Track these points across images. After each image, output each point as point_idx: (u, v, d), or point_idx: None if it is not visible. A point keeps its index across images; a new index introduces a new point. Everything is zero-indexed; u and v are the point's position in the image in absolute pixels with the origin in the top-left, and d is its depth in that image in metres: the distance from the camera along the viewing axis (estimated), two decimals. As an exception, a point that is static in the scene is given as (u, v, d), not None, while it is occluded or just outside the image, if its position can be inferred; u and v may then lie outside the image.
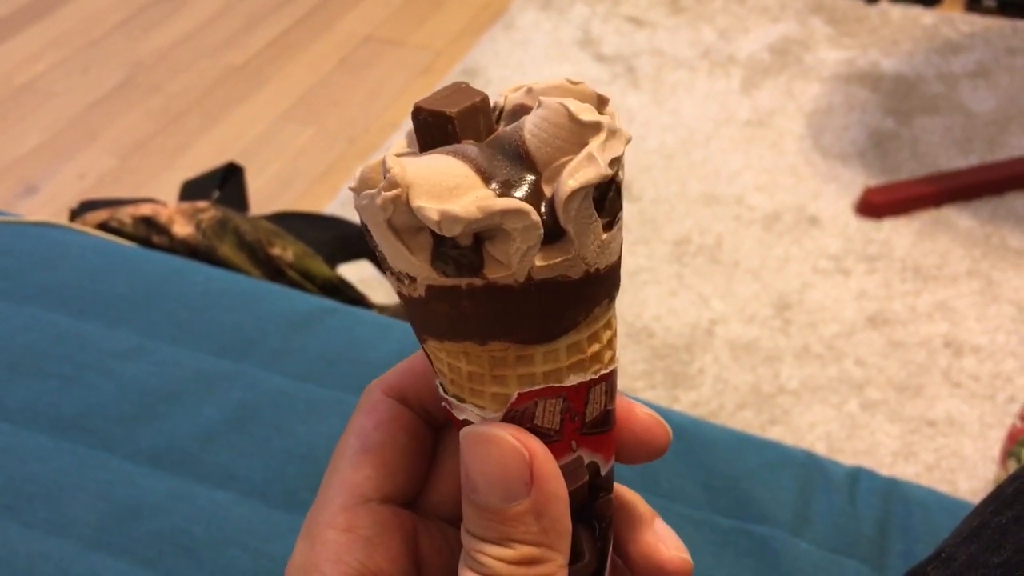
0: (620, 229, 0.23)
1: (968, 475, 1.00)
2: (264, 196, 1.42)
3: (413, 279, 0.22)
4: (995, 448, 1.02)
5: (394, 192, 0.20)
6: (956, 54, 1.58)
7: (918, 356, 1.12)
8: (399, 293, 0.23)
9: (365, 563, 0.25)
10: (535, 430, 0.23)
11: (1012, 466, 0.85)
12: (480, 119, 0.22)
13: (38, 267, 0.65)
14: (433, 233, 0.21)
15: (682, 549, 0.27)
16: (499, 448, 0.22)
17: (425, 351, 0.24)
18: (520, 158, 0.21)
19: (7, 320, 0.61)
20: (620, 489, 0.27)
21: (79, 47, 1.78)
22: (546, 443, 0.23)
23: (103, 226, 0.72)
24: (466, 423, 0.24)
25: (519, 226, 0.20)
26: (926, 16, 1.68)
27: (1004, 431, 1.02)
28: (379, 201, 0.20)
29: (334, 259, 0.85)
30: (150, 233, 0.72)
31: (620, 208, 0.22)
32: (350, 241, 0.89)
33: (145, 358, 0.58)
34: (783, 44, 1.64)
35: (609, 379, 0.24)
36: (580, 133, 0.21)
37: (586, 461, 0.24)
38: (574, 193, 0.20)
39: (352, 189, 0.22)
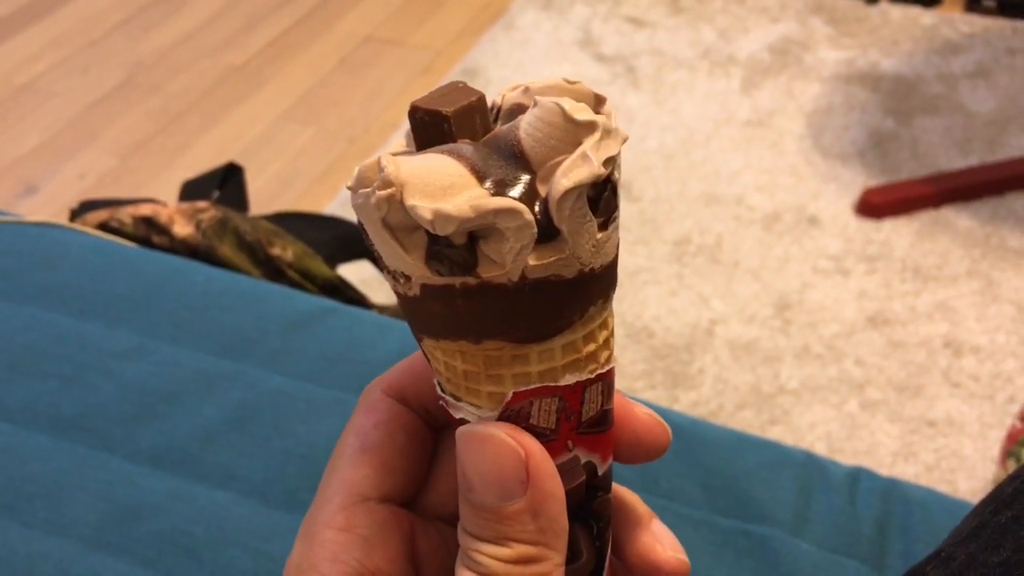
0: (616, 229, 0.23)
1: (968, 475, 1.00)
2: (264, 196, 1.42)
3: (408, 278, 0.22)
4: (994, 448, 1.02)
5: (388, 191, 0.20)
6: (956, 54, 1.58)
7: (918, 356, 1.12)
8: (395, 292, 0.23)
9: (363, 562, 0.25)
10: (531, 429, 0.23)
11: (1011, 466, 0.85)
12: (476, 118, 0.22)
13: (38, 267, 0.65)
14: (427, 232, 0.21)
15: (679, 550, 0.27)
16: (495, 447, 0.22)
17: (422, 350, 0.24)
18: (515, 157, 0.21)
19: (7, 320, 0.61)
20: (618, 489, 0.27)
21: (79, 47, 1.78)
22: (542, 442, 0.23)
23: (103, 226, 0.72)
24: (463, 422, 0.24)
25: (512, 225, 0.20)
26: (926, 16, 1.68)
27: (1004, 431, 1.02)
28: (373, 200, 0.20)
29: (334, 259, 0.85)
30: (150, 233, 0.72)
31: (616, 208, 0.22)
32: (350, 241, 0.89)
33: (145, 358, 0.58)
34: (783, 44, 1.64)
35: (606, 379, 0.24)
36: (575, 132, 0.21)
37: (583, 460, 0.24)
38: (567, 192, 0.20)
39: (349, 188, 0.22)
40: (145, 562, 0.48)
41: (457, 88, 0.23)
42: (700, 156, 1.43)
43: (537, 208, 0.21)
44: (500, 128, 0.22)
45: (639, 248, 1.28)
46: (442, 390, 0.24)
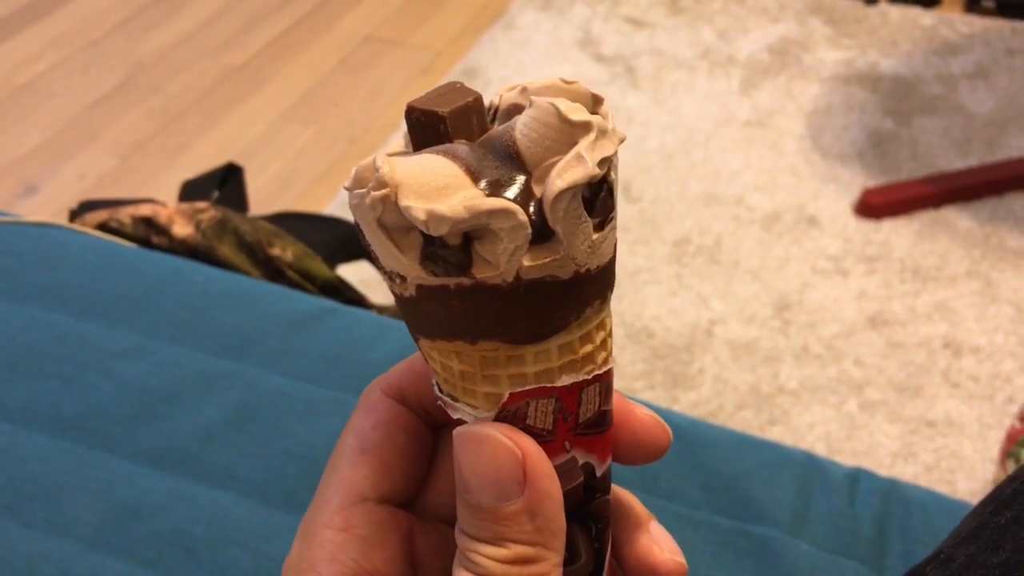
0: (613, 230, 0.23)
1: (967, 475, 1.00)
2: (264, 196, 1.42)
3: (404, 278, 0.22)
4: (994, 449, 1.02)
5: (383, 191, 0.20)
6: (955, 55, 1.58)
7: (917, 357, 1.12)
8: (392, 292, 0.23)
9: (361, 563, 0.25)
10: (527, 430, 0.23)
11: (1011, 466, 0.85)
12: (473, 119, 0.22)
13: (38, 267, 0.65)
14: (423, 232, 0.21)
15: (676, 552, 0.27)
16: (492, 447, 0.22)
17: (420, 350, 0.24)
18: (511, 158, 0.21)
19: (7, 320, 0.61)
20: (616, 490, 0.27)
21: (79, 47, 1.78)
22: (539, 443, 0.23)
23: (103, 226, 0.72)
24: (460, 422, 0.24)
25: (506, 226, 0.20)
26: (925, 17, 1.68)
27: (1003, 431, 1.02)
28: (368, 200, 0.21)
29: (334, 259, 0.85)
30: (150, 233, 0.72)
31: (612, 208, 0.22)
32: (350, 241, 0.89)
33: (145, 358, 0.58)
34: (782, 44, 1.64)
35: (603, 380, 0.24)
36: (570, 133, 0.21)
37: (581, 462, 0.24)
38: (561, 193, 0.20)
39: (347, 188, 0.22)
40: (145, 562, 0.48)
41: (454, 88, 0.23)
42: (700, 156, 1.43)
43: (532, 209, 0.21)
44: (496, 128, 0.22)
45: (639, 248, 1.28)
46: (440, 390, 0.24)
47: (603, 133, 0.21)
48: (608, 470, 0.26)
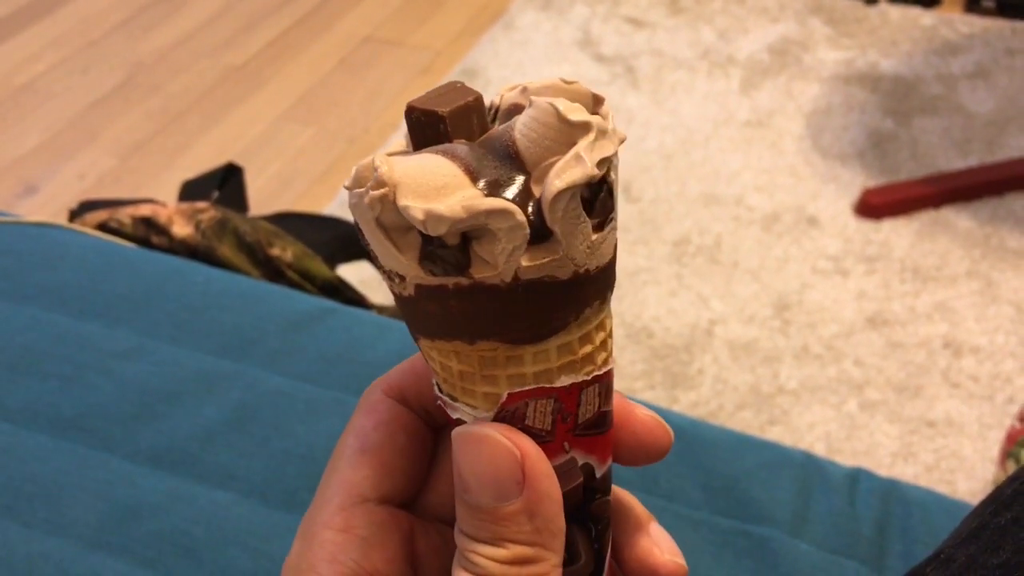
0: (613, 230, 0.22)
1: (967, 476, 1.00)
2: (264, 196, 1.42)
3: (403, 278, 0.22)
4: (994, 449, 1.02)
5: (382, 191, 0.20)
6: (955, 55, 1.58)
7: (917, 357, 1.12)
8: (392, 291, 0.23)
9: (361, 563, 0.25)
10: (526, 430, 0.23)
11: (1011, 467, 0.85)
12: (473, 118, 0.22)
13: (38, 267, 0.65)
14: (421, 232, 0.21)
15: (676, 553, 0.27)
16: (490, 447, 0.22)
17: (420, 350, 0.24)
18: (510, 158, 0.21)
19: (7, 320, 0.61)
20: (616, 491, 0.27)
21: (79, 47, 1.78)
22: (538, 443, 0.23)
23: (102, 226, 0.72)
24: (459, 422, 0.24)
25: (504, 226, 0.20)
26: (925, 17, 1.68)
27: (1003, 432, 1.02)
28: (367, 200, 0.20)
29: (334, 259, 0.85)
30: (149, 233, 0.72)
31: (612, 209, 0.22)
32: (350, 241, 0.89)
33: (145, 358, 0.58)
34: (782, 45, 1.64)
35: (603, 381, 0.24)
36: (569, 133, 0.21)
37: (580, 462, 0.24)
38: (560, 193, 0.20)
39: (346, 187, 0.22)
40: (145, 562, 0.48)
41: (455, 88, 0.23)
42: (699, 156, 1.43)
43: (530, 209, 0.21)
44: (496, 128, 0.22)
45: (638, 248, 1.28)
46: (439, 390, 0.24)
47: (603, 133, 0.21)
48: (608, 471, 0.26)
